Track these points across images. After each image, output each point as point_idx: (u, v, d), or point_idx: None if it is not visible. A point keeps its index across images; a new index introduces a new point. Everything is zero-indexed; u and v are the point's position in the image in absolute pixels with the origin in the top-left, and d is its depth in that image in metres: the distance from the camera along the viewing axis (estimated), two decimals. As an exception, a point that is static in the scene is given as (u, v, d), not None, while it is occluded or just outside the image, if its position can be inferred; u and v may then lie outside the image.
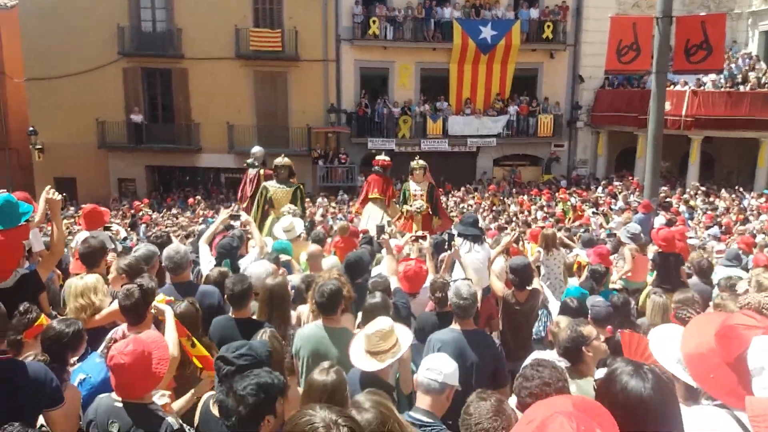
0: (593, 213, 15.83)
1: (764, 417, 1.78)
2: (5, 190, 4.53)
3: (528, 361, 3.52)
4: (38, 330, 3.65)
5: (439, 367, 3.02)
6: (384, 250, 6.60)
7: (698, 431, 2.08)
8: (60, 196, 4.73)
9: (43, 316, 4.20)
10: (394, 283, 5.24)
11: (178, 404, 3.45)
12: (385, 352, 3.52)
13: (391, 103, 25.36)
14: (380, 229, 8.68)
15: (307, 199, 16.73)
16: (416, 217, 10.38)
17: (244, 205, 10.22)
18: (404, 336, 3.68)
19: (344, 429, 1.86)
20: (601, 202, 18.70)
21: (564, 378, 2.89)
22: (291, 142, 24.68)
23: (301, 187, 10.12)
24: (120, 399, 2.96)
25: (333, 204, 20.64)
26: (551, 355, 4.41)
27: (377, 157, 11.39)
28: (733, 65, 22.48)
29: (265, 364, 3.03)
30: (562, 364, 4.18)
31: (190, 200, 21.39)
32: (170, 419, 2.93)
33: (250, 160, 10.67)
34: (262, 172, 10.34)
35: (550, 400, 1.77)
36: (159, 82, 24.91)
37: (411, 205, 10.29)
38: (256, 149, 10.96)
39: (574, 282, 7.00)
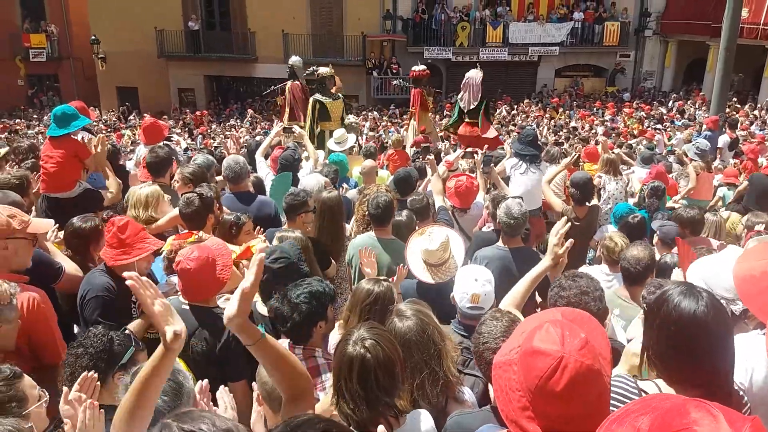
0: (654, 129, 15.21)
1: None
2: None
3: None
4: None
5: (482, 303, 3.06)
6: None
7: (745, 356, 2.10)
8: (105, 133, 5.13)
9: None
10: (439, 203, 5.32)
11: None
12: (445, 262, 3.70)
13: (449, 8, 24.43)
14: (425, 150, 8.63)
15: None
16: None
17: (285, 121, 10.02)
18: (457, 248, 3.83)
19: (368, 342, 2.09)
20: (665, 117, 17.91)
21: (600, 288, 2.92)
22: (345, 52, 24.31)
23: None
24: (186, 302, 3.17)
25: (385, 117, 20.44)
26: (598, 269, 4.46)
27: (413, 68, 11.04)
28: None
29: (297, 263, 3.23)
30: (613, 280, 4.23)
31: (249, 111, 21.68)
32: (259, 326, 3.13)
33: (310, 70, 10.17)
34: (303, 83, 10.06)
35: (542, 312, 1.84)
36: (215, -12, 24.68)
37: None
38: (298, 59, 10.57)
39: (632, 202, 6.89)
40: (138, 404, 1.89)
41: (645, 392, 1.96)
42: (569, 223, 3.16)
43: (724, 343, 1.85)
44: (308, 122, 9.27)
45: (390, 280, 3.37)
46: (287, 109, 10.19)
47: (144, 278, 1.95)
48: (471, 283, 3.06)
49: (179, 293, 3.23)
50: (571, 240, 3.05)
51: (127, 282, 1.92)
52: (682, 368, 1.85)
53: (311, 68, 10.21)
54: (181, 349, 1.99)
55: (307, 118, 9.31)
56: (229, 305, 1.94)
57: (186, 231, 4.08)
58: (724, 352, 1.84)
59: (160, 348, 1.91)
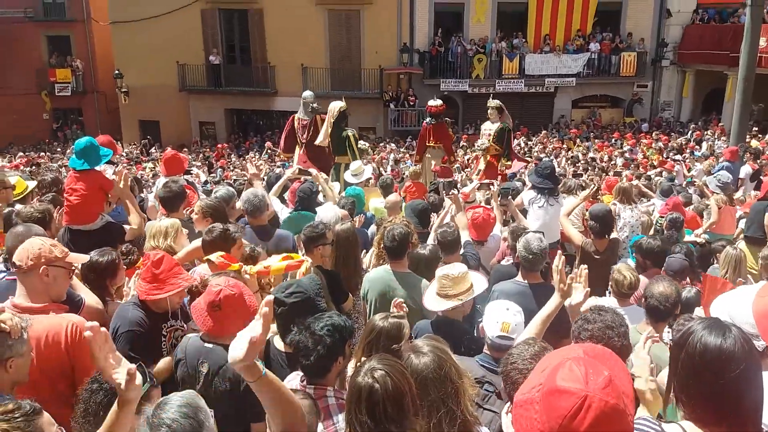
0: (673, 159, 15.10)
1: None
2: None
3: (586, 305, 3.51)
4: (136, 270, 3.96)
5: (512, 333, 3.08)
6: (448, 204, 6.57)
7: None
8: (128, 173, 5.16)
9: (141, 260, 4.55)
10: (465, 237, 5.28)
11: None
12: (456, 296, 3.63)
13: (466, 41, 24.68)
14: (449, 185, 8.66)
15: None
16: (481, 158, 10.40)
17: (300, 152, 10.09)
18: (479, 282, 3.81)
19: (377, 373, 2.11)
20: (684, 147, 17.81)
21: (625, 324, 2.89)
22: (363, 84, 24.61)
23: None
24: (209, 341, 3.09)
25: (402, 149, 20.60)
26: (610, 301, 4.39)
27: (429, 103, 11.15)
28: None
29: (313, 298, 3.21)
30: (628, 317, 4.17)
31: (267, 144, 21.97)
32: (259, 362, 3.09)
33: (315, 105, 10.24)
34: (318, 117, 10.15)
35: (563, 348, 1.79)
36: (236, 24, 25.19)
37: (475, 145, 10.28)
38: (310, 94, 10.70)
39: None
40: None
41: None
42: (564, 257, 3.19)
43: (752, 376, 1.79)
44: (352, 153, 9.33)
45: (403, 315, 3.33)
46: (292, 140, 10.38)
47: (103, 330, 1.97)
48: (503, 312, 3.13)
49: (199, 333, 3.17)
50: (575, 271, 3.05)
51: (86, 334, 1.93)
52: (707, 403, 1.80)
53: (316, 104, 10.32)
54: (137, 402, 2.00)
55: (353, 149, 9.36)
56: (235, 348, 1.94)
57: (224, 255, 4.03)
58: (752, 386, 1.79)
59: (114, 407, 1.90)
